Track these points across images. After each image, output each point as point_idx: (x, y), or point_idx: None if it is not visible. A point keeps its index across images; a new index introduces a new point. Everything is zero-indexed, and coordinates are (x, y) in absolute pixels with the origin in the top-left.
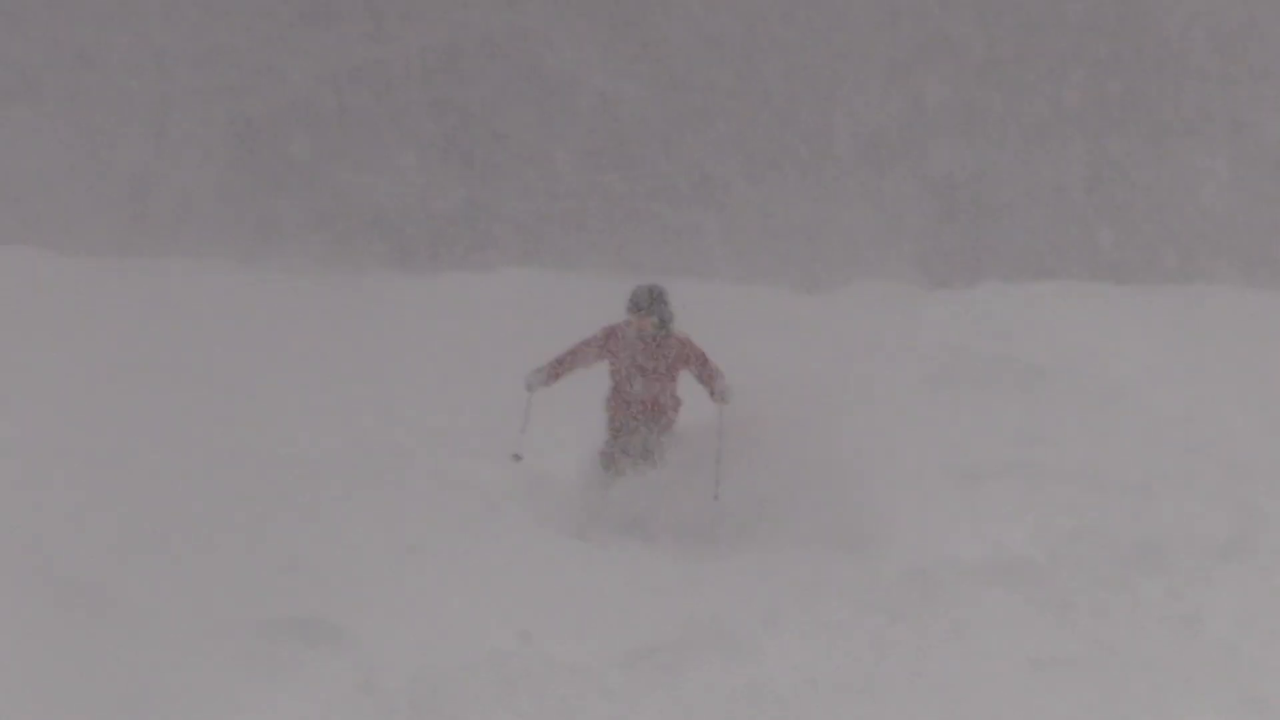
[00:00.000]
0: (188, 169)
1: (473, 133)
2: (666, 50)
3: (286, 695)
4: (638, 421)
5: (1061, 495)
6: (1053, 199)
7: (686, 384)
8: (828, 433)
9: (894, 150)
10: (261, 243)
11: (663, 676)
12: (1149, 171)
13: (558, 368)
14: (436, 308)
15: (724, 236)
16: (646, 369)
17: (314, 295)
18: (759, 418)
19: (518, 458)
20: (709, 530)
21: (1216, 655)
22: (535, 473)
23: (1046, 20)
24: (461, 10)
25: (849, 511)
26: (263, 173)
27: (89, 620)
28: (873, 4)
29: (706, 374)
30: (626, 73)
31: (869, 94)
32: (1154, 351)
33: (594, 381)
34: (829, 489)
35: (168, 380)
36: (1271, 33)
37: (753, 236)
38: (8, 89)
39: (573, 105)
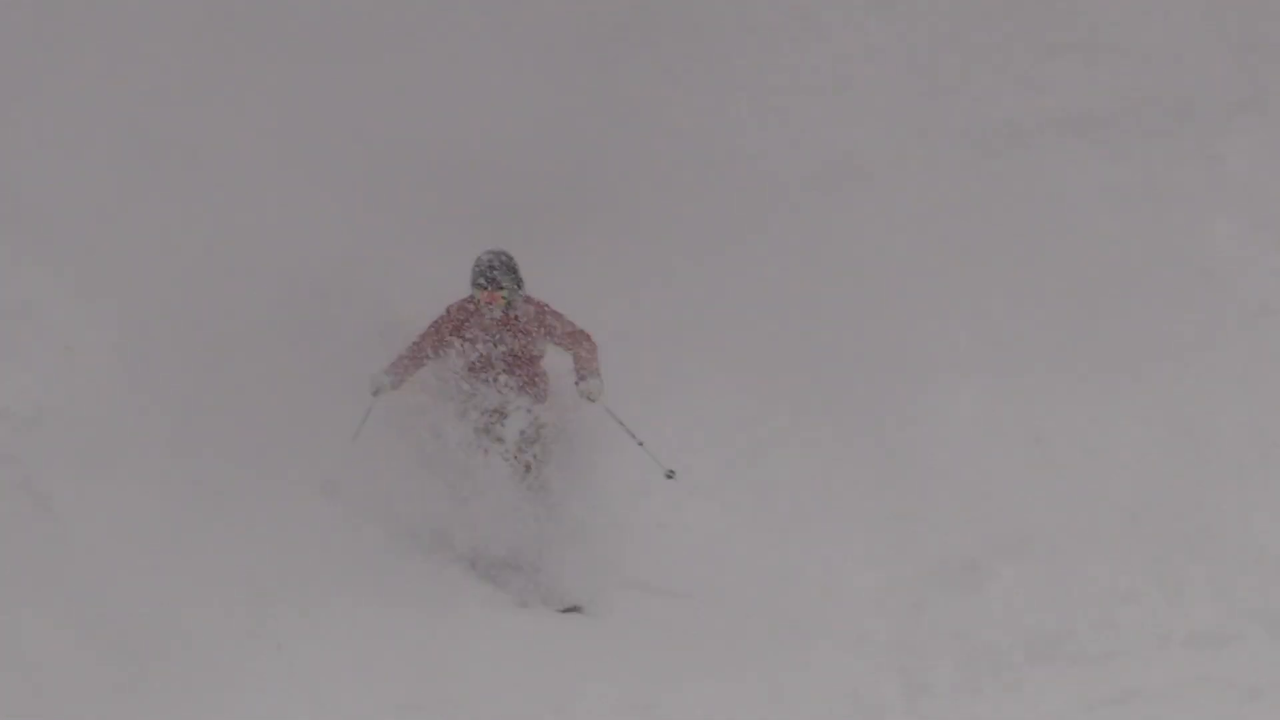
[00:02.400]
0: None
1: None
2: None
3: None
4: (501, 416)
5: (1114, 62)
6: None
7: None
8: None
9: None
10: None
11: None
12: None
13: (406, 365)
14: None
15: None
16: (504, 354)
17: None
18: None
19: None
20: None
21: (1236, 188)
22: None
23: None
24: None
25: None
26: None
27: None
28: None
29: (574, 344)
30: None
31: None
32: None
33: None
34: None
35: None
36: None
37: None
38: None
39: None
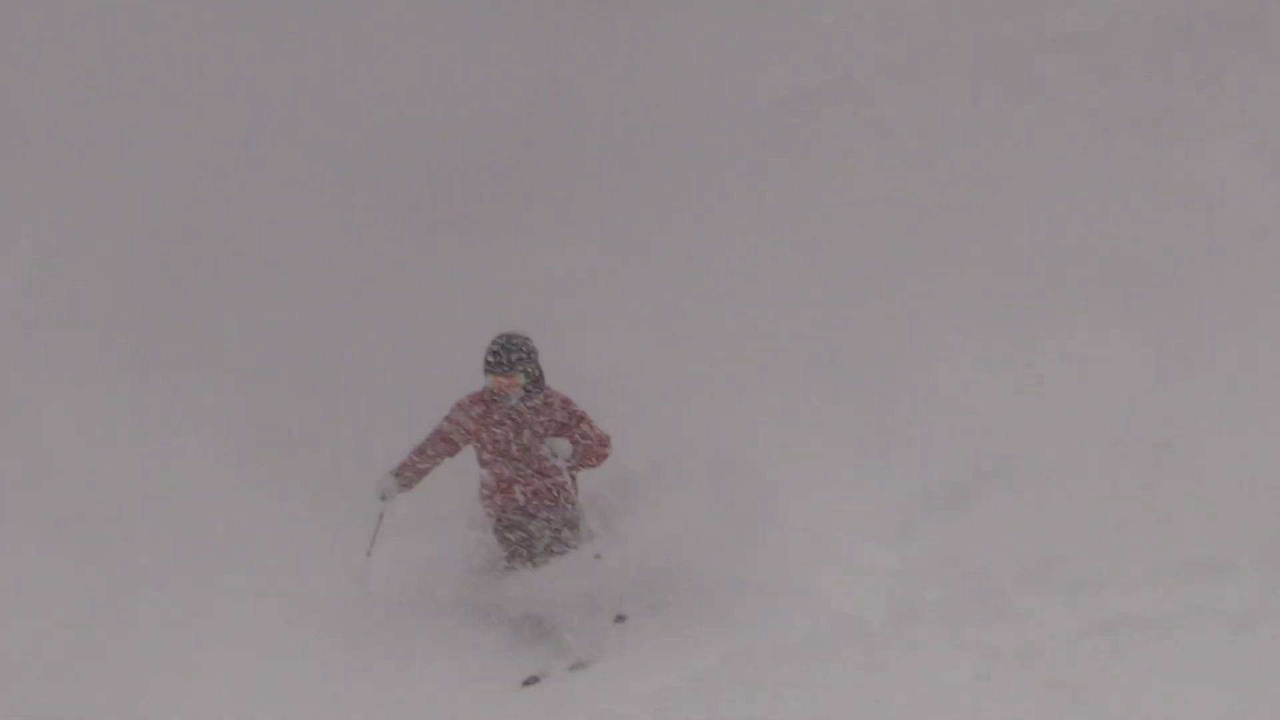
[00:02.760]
0: None
1: None
2: None
3: None
4: (529, 515)
5: None
6: None
7: None
8: None
9: None
10: None
11: None
12: None
13: (418, 464)
14: None
15: None
16: (522, 445)
17: None
18: None
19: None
20: None
21: (1234, 111)
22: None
23: None
24: None
25: None
26: None
27: None
28: None
29: (584, 444)
30: None
31: None
32: None
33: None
34: None
35: None
36: None
37: None
38: None
39: None
